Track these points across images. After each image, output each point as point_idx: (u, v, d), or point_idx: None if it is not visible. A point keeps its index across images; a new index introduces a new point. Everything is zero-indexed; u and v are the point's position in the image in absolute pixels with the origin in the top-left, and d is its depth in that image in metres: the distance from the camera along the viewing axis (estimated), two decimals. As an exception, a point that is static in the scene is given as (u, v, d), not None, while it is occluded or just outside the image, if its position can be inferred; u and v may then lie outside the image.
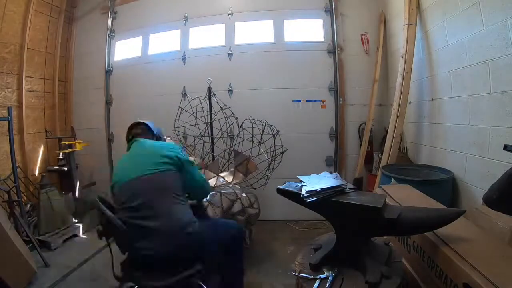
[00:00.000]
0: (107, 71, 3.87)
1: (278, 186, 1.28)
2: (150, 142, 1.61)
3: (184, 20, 3.59)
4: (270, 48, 3.44)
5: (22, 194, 2.85)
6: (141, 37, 3.79)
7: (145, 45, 3.77)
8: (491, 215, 1.45)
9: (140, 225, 1.30)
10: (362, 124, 3.39)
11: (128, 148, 1.65)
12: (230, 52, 3.46)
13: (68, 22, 4.03)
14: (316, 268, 1.15)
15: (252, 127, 2.75)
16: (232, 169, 2.69)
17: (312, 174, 1.36)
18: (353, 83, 3.41)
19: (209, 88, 2.89)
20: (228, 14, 3.49)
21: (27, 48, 3.39)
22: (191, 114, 2.95)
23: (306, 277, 1.11)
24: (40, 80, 3.70)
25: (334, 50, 3.37)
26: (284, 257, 2.52)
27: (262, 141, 2.71)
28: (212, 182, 2.51)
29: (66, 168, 3.44)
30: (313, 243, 1.33)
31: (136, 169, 1.43)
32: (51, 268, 2.37)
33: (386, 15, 3.31)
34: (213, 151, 2.93)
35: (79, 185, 3.45)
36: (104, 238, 1.36)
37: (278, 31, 3.46)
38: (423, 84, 2.63)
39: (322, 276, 1.09)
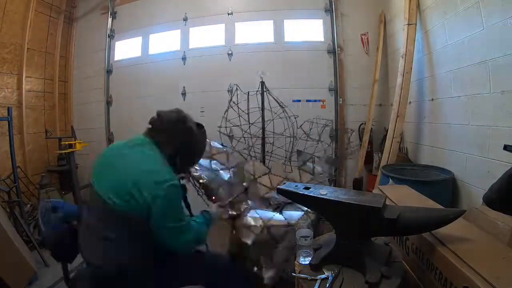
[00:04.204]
0: (107, 71, 3.87)
1: (278, 186, 1.28)
2: (135, 155, 1.17)
3: (184, 20, 3.59)
4: (270, 48, 3.44)
5: (22, 194, 2.85)
6: (141, 37, 3.80)
7: (145, 45, 3.77)
8: (491, 215, 1.45)
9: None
10: (362, 124, 3.39)
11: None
12: (230, 52, 3.46)
13: (68, 22, 4.03)
14: (316, 268, 1.14)
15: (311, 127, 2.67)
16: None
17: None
18: (353, 83, 3.41)
19: (262, 83, 2.61)
20: (228, 14, 3.49)
21: (27, 48, 3.39)
22: (243, 112, 2.67)
23: (306, 277, 1.11)
24: (40, 80, 3.70)
25: (334, 50, 3.36)
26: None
27: (321, 140, 2.62)
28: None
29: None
30: (313, 243, 1.32)
31: (102, 184, 1.15)
32: (51, 268, 2.37)
33: (386, 15, 3.31)
34: (264, 152, 2.70)
35: (79, 185, 3.45)
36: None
37: (278, 31, 3.46)
38: (423, 84, 2.63)
39: (322, 276, 1.09)
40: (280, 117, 2.64)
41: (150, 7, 3.73)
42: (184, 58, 3.58)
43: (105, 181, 1.15)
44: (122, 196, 1.07)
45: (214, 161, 2.25)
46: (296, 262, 1.25)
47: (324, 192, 1.16)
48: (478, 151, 1.92)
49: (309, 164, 2.38)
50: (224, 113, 2.62)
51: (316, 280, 1.08)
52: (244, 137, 2.65)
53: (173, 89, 3.58)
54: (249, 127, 2.66)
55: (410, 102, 2.72)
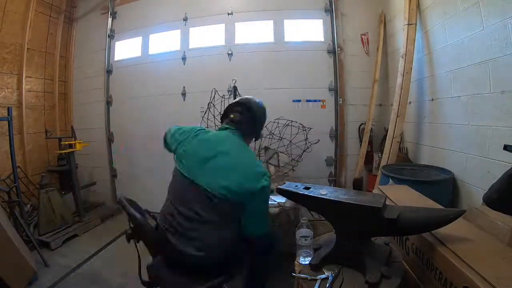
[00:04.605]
0: (107, 71, 3.87)
1: (278, 186, 1.28)
2: (239, 151, 1.33)
3: (184, 20, 3.59)
4: (270, 48, 3.44)
5: (22, 194, 2.85)
6: (141, 37, 3.79)
7: (145, 45, 3.77)
8: (491, 215, 1.45)
9: (177, 230, 1.23)
10: (362, 124, 3.39)
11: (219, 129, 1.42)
12: (230, 52, 3.46)
13: (68, 22, 4.03)
14: (316, 268, 1.15)
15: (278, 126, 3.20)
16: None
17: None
18: (353, 83, 3.41)
19: (235, 87, 2.94)
20: (228, 14, 3.49)
21: (27, 48, 3.39)
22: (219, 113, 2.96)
23: (306, 277, 1.11)
24: (40, 80, 3.70)
25: (334, 50, 3.36)
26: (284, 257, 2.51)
27: (282, 137, 3.18)
28: None
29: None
30: (313, 243, 1.32)
31: (205, 174, 1.23)
32: (51, 268, 2.37)
33: (386, 15, 3.31)
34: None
35: (79, 185, 3.44)
36: (132, 241, 1.31)
37: (278, 31, 3.45)
38: (423, 84, 2.63)
39: (322, 276, 1.09)
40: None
41: (150, 7, 3.73)
42: (184, 58, 3.58)
43: (205, 174, 1.24)
44: (239, 189, 1.20)
45: None
46: (296, 262, 1.25)
47: (324, 192, 1.17)
48: (478, 151, 1.92)
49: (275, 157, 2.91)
50: (204, 114, 3.02)
51: (316, 280, 1.08)
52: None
53: (173, 89, 3.58)
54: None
55: (410, 102, 2.72)
